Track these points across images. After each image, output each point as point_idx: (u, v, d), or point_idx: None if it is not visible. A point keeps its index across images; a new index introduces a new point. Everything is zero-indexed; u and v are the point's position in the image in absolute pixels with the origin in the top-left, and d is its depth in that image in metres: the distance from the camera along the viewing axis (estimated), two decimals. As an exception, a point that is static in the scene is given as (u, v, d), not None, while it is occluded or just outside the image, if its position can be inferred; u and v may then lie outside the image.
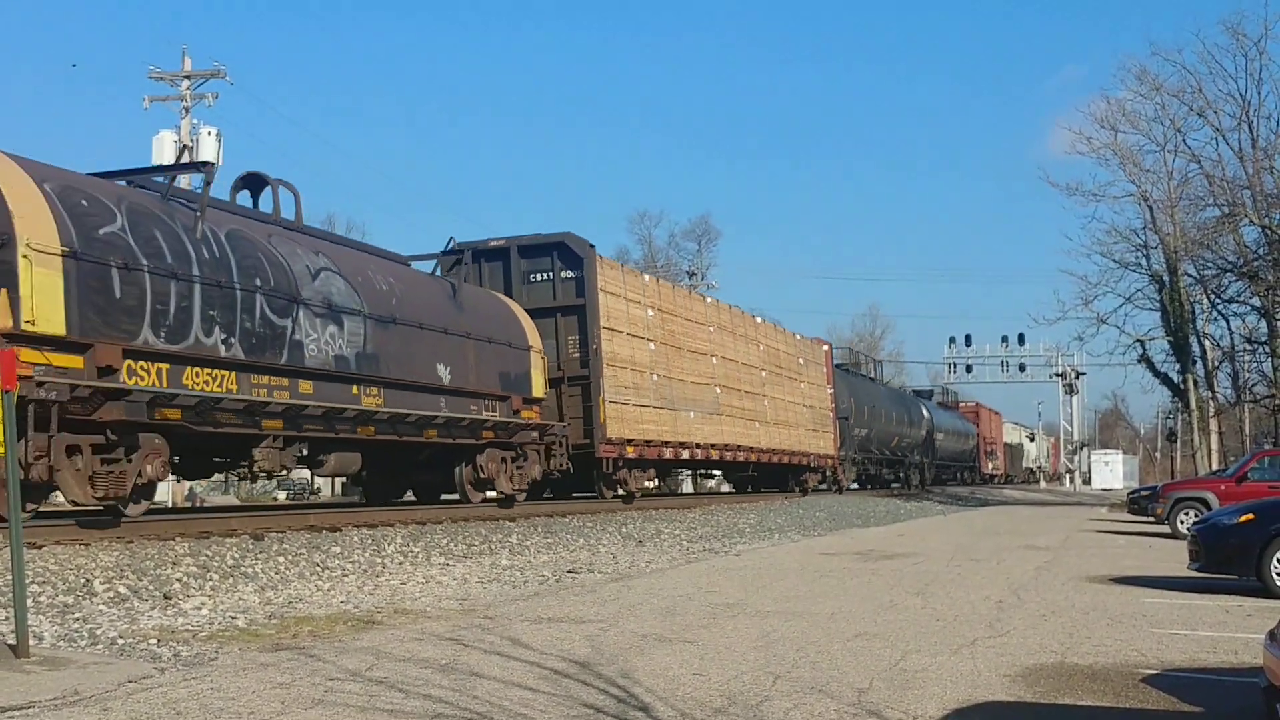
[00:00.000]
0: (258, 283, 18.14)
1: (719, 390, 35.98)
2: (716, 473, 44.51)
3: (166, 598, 12.52)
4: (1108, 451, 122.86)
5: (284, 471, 19.92)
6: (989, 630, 11.64)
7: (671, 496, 40.99)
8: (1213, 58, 47.02)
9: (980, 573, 17.96)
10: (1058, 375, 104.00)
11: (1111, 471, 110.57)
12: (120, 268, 15.63)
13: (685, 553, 21.52)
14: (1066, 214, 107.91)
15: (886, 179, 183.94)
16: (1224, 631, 11.84)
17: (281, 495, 53.25)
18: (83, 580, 12.45)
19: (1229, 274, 48.68)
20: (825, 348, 51.26)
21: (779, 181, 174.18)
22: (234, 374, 17.51)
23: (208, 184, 18.13)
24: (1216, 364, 53.82)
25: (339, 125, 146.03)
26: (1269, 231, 44.64)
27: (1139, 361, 53.97)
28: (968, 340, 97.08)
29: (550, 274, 29.01)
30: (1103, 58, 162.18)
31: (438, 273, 25.85)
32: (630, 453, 29.45)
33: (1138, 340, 53.02)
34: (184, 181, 20.87)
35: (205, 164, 20.14)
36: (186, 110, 44.99)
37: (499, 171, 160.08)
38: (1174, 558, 19.68)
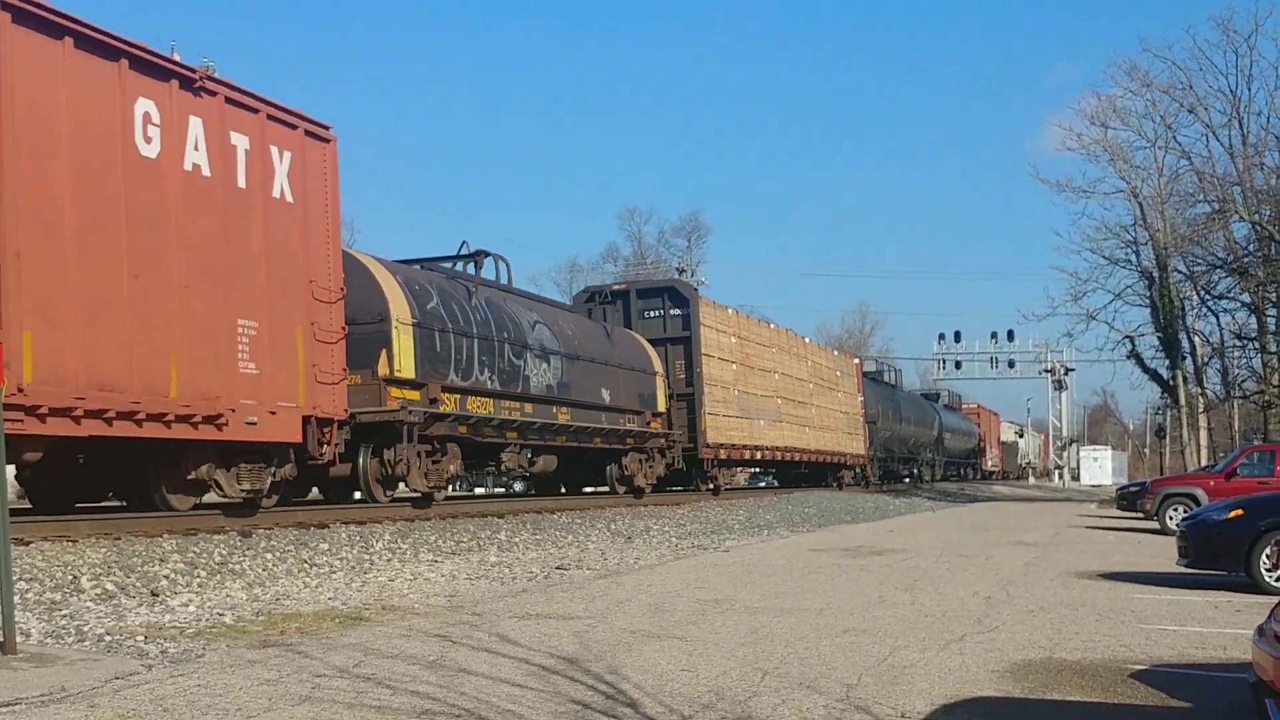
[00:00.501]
0: (505, 335, 25.66)
1: (779, 401, 43.25)
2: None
3: (154, 594, 12.50)
4: (1097, 448, 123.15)
5: (520, 470, 27.69)
6: (977, 626, 11.63)
7: (741, 490, 46.45)
8: (1203, 54, 47.26)
9: (969, 569, 17.97)
10: (1047, 371, 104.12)
11: (1100, 468, 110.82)
12: (439, 331, 22.97)
13: (674, 549, 21.52)
14: (1057, 210, 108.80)
15: (877, 176, 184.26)
16: (1213, 627, 11.85)
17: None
18: (70, 577, 12.42)
19: (1219, 270, 48.84)
20: (856, 361, 59.05)
21: (769, 178, 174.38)
22: (493, 401, 24.85)
23: (479, 267, 26.76)
24: (1206, 360, 53.98)
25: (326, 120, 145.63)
26: (1259, 228, 44.76)
27: (1128, 358, 54.14)
28: (957, 337, 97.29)
29: (661, 311, 36.73)
30: (1097, 55, 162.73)
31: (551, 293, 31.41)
32: (723, 454, 36.84)
33: (1127, 336, 53.17)
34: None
35: (481, 253, 27.08)
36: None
37: (490, 168, 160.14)
38: (1163, 554, 19.71)
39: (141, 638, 10.17)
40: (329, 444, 18.87)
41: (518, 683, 8.53)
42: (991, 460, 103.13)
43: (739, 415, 38.62)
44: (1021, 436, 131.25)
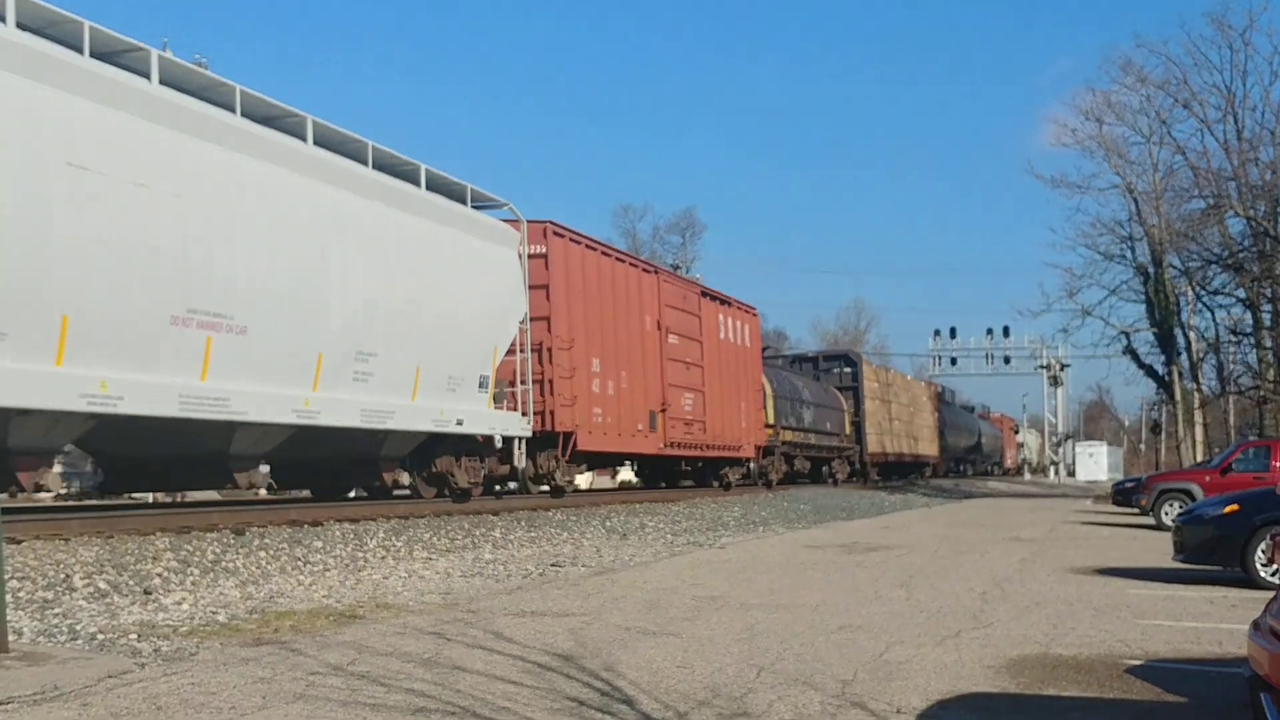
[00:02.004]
0: (793, 395, 47.45)
1: (900, 422, 66.16)
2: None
3: (147, 593, 12.45)
4: (1092, 443, 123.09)
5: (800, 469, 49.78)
6: (973, 622, 11.62)
7: (875, 483, 59.19)
8: (1198, 49, 47.24)
9: (964, 565, 17.97)
10: (1042, 368, 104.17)
11: (1096, 463, 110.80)
12: (783, 397, 45.25)
13: (669, 546, 21.49)
14: (1052, 206, 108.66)
15: (872, 172, 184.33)
16: (1208, 622, 11.84)
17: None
18: (63, 575, 12.37)
19: (1214, 266, 48.82)
20: (935, 388, 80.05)
21: (764, 174, 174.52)
22: (797, 433, 47.63)
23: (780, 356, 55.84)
24: (1201, 356, 53.96)
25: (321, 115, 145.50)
26: (1254, 223, 44.75)
27: (1124, 353, 54.18)
28: (953, 333, 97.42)
29: (837, 370, 59.45)
30: (1092, 51, 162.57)
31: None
32: (872, 459, 59.26)
33: (1122, 332, 53.21)
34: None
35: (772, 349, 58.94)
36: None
37: (484, 163, 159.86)
38: (1159, 549, 19.70)
39: (134, 636, 10.13)
40: (759, 460, 43.11)
41: (513, 680, 8.51)
42: (1010, 458, 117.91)
43: (881, 434, 61.15)
44: (1017, 433, 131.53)
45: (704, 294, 37.04)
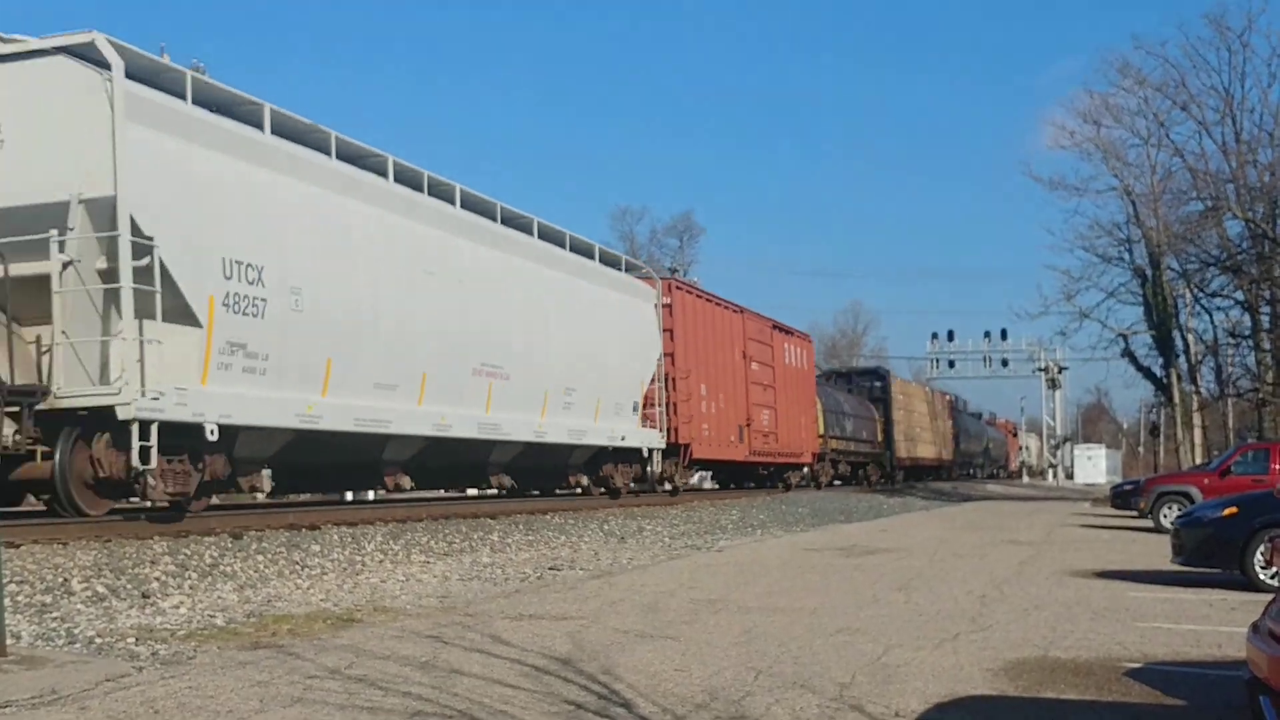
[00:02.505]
0: (836, 408, 53.09)
1: (921, 430, 72.43)
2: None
3: (145, 596, 12.44)
4: (1091, 446, 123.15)
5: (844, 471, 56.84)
6: (971, 625, 11.62)
7: (899, 484, 64.49)
8: (1196, 51, 47.28)
9: (963, 568, 17.96)
10: (1040, 370, 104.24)
11: (1095, 466, 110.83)
12: (830, 411, 51.62)
13: (667, 549, 21.49)
14: (1050, 209, 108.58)
15: (870, 174, 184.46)
16: (1207, 625, 11.84)
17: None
18: (61, 579, 12.36)
19: (1212, 268, 48.84)
20: (950, 397, 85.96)
21: (761, 177, 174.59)
22: (840, 441, 54.03)
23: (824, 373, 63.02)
24: (1200, 358, 54.01)
25: (317, 118, 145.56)
26: (1252, 225, 44.78)
27: (1122, 356, 54.25)
28: (950, 336, 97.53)
29: (868, 384, 65.02)
30: (1091, 53, 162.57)
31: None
32: (899, 463, 65.36)
33: (1120, 335, 53.24)
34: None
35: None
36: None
37: (481, 167, 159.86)
38: (1157, 552, 19.70)
39: (132, 640, 10.12)
40: (814, 465, 49.28)
41: (511, 683, 8.50)
42: (1013, 461, 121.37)
43: (907, 441, 67.63)
44: (1015, 436, 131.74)
45: (775, 327, 44.17)
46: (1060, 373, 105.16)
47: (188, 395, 15.68)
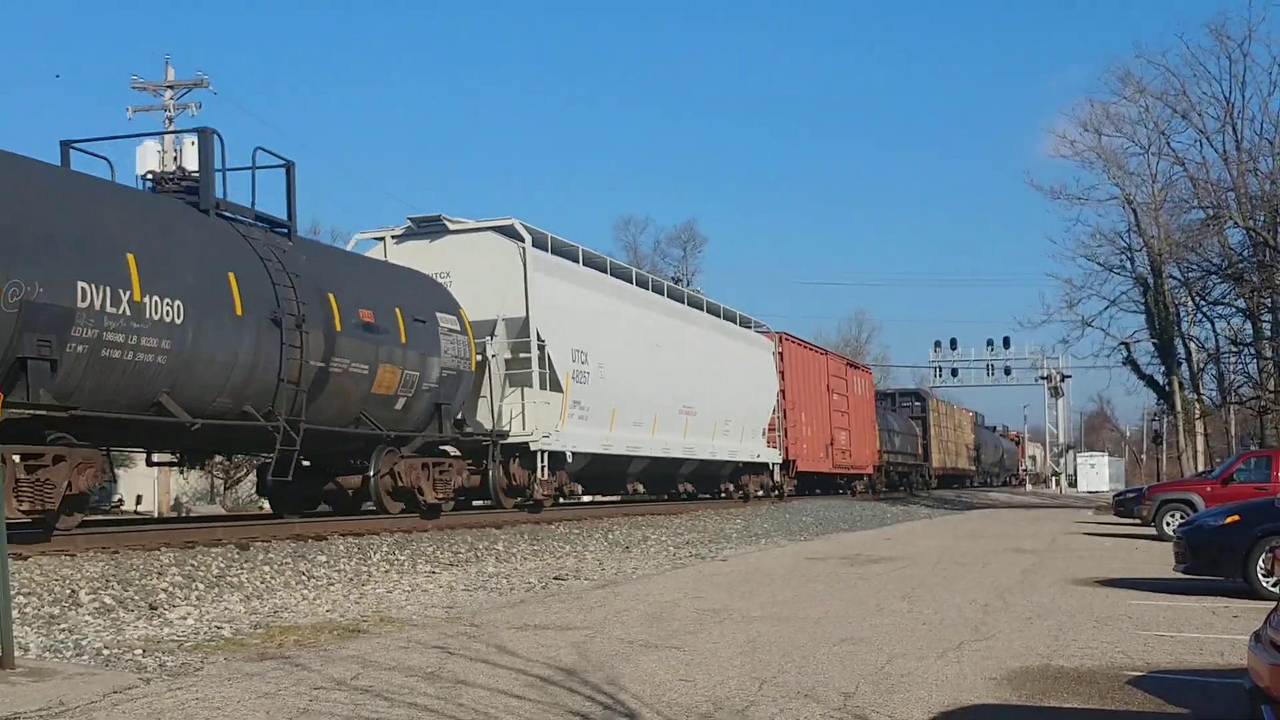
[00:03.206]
0: (890, 426, 64.70)
1: (951, 444, 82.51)
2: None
3: (152, 608, 12.48)
4: (1093, 454, 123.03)
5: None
6: (975, 634, 11.65)
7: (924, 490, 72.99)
8: (1197, 60, 47.20)
9: (966, 576, 17.99)
10: (1043, 378, 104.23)
11: (1097, 474, 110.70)
12: (883, 430, 62.27)
13: (672, 558, 21.51)
14: (1051, 217, 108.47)
15: (873, 183, 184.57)
16: (1210, 633, 11.87)
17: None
18: (68, 591, 12.40)
19: (1214, 276, 48.83)
20: (973, 414, 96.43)
21: (764, 186, 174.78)
22: (892, 455, 64.20)
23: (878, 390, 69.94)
24: (1202, 366, 53.94)
25: (321, 131, 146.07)
26: (1253, 233, 44.77)
27: (1124, 364, 54.19)
28: (953, 344, 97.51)
29: (910, 404, 74.71)
30: (1094, 63, 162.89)
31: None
32: (936, 472, 75.71)
33: (1123, 343, 53.20)
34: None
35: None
36: (170, 120, 44.86)
37: (485, 177, 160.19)
38: (1160, 560, 19.72)
39: (139, 651, 10.16)
40: (874, 475, 58.18)
41: (516, 694, 8.54)
42: (1022, 469, 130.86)
43: (940, 454, 77.67)
44: (1019, 444, 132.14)
45: (848, 364, 57.31)
46: (1063, 381, 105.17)
47: (558, 435, 26.15)
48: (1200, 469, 47.06)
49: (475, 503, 26.87)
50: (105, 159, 18.32)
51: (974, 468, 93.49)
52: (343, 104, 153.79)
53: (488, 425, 24.92)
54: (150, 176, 19.05)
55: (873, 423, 58.72)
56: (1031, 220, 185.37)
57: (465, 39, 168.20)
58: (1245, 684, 6.78)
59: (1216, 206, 45.88)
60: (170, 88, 45.81)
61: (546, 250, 27.06)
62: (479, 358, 24.46)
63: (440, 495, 22.70)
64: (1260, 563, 14.88)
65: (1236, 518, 15.67)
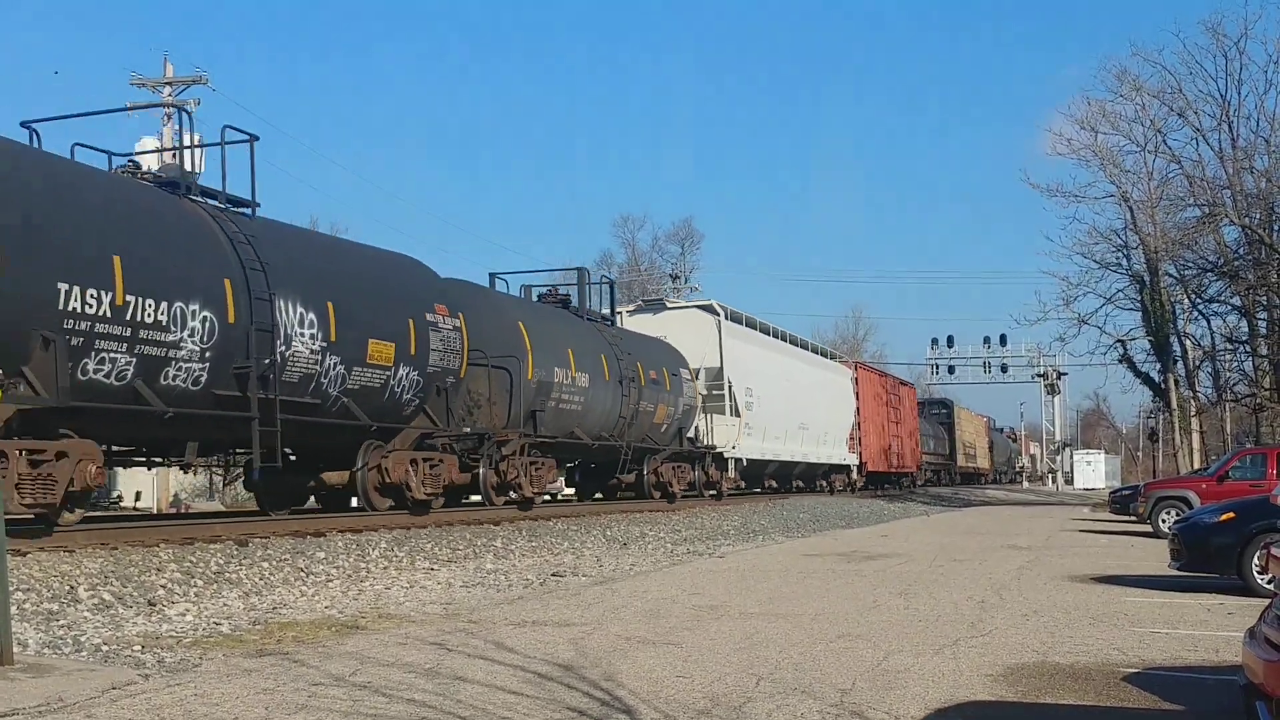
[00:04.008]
0: (925, 431, 76.03)
1: (970, 445, 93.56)
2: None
3: (151, 604, 12.51)
4: (1090, 451, 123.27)
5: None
6: (971, 630, 11.69)
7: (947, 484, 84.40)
8: (1193, 58, 47.24)
9: (963, 573, 18.03)
10: (1039, 376, 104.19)
11: (1094, 471, 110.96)
12: (923, 435, 75.11)
13: (669, 555, 21.54)
14: (1048, 215, 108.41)
15: (871, 181, 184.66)
16: (1205, 630, 11.91)
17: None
18: (67, 587, 12.42)
19: (1209, 274, 48.89)
20: (987, 419, 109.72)
21: (762, 183, 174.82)
22: (928, 456, 76.12)
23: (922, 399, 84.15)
24: (1197, 363, 54.03)
25: (319, 129, 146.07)
26: (1249, 231, 44.81)
27: (1120, 362, 54.20)
28: (950, 341, 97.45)
29: (938, 411, 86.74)
30: (1090, 61, 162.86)
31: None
32: (960, 470, 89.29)
33: (1119, 340, 53.23)
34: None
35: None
36: (169, 117, 44.84)
37: (482, 175, 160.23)
38: (1156, 557, 19.77)
39: (138, 647, 10.18)
40: (916, 473, 70.73)
41: (514, 690, 8.57)
42: (1023, 466, 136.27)
43: (963, 455, 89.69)
44: (1015, 442, 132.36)
45: (900, 382, 70.57)
46: (1059, 378, 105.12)
47: (737, 446, 38.51)
48: (1196, 466, 47.13)
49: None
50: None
51: (989, 466, 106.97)
52: (340, 102, 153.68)
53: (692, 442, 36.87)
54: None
55: (915, 430, 71.34)
56: (1028, 218, 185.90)
57: (465, 36, 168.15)
58: (1240, 680, 6.82)
59: (1212, 204, 45.91)
60: (169, 84, 45.78)
61: (728, 319, 39.93)
62: (698, 395, 36.59)
63: (680, 488, 34.56)
64: (1255, 560, 14.93)
65: (1231, 515, 15.72)
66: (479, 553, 19.42)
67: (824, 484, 53.37)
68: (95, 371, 15.27)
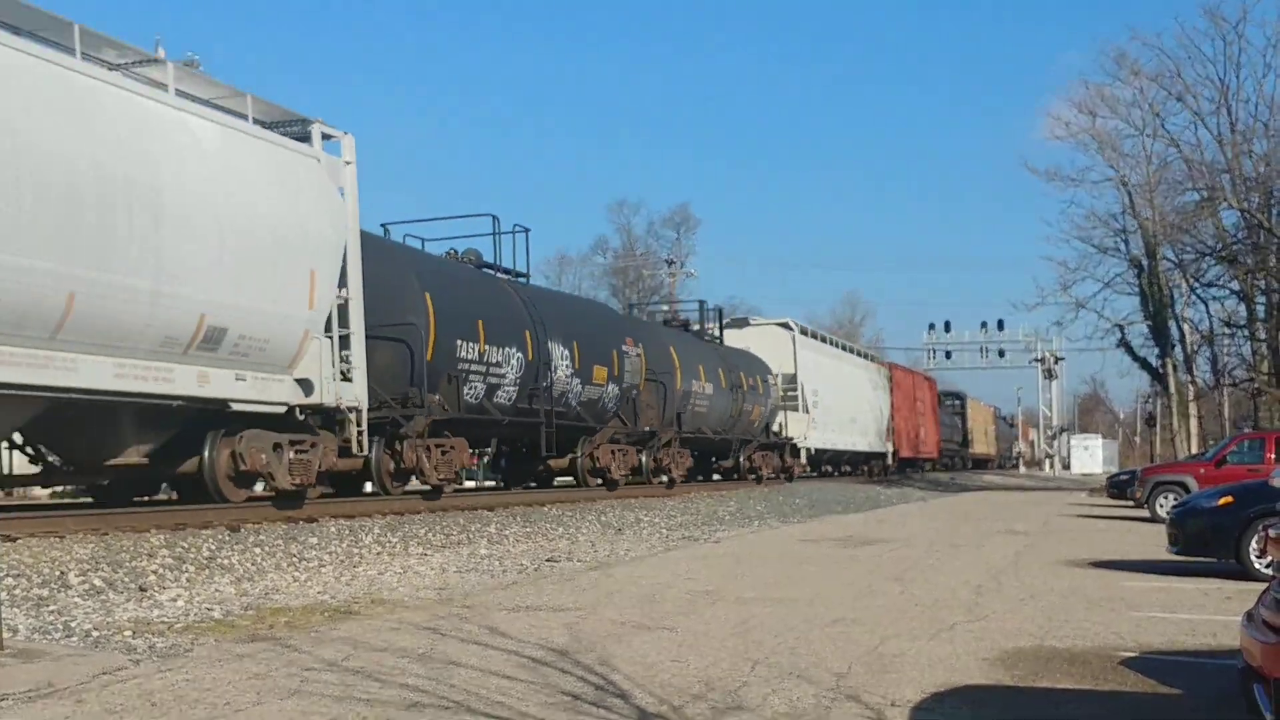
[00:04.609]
0: (945, 421, 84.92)
1: (980, 433, 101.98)
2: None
3: (142, 590, 12.44)
4: (1087, 436, 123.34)
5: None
6: (967, 615, 11.65)
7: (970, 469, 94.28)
8: (1192, 42, 47.32)
9: (959, 558, 17.99)
10: (1037, 361, 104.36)
11: (1091, 456, 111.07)
12: (941, 424, 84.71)
13: (665, 541, 21.50)
14: (1046, 199, 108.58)
15: (867, 165, 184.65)
16: (1203, 614, 11.87)
17: None
18: (58, 573, 12.35)
19: (1208, 258, 48.91)
20: (993, 409, 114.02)
21: (758, 168, 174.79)
22: (946, 444, 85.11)
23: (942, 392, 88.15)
24: (1195, 348, 54.07)
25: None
26: (1247, 215, 44.80)
27: (1118, 346, 54.24)
28: (947, 326, 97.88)
29: (951, 403, 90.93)
30: (1089, 45, 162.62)
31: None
32: (974, 456, 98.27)
33: (1117, 325, 53.30)
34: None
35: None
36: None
37: (477, 159, 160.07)
38: (1153, 541, 19.74)
39: (129, 633, 10.13)
40: (938, 458, 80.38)
41: (508, 674, 8.52)
42: (1016, 452, 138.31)
43: (974, 442, 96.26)
44: (1012, 428, 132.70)
45: (925, 378, 77.94)
46: (1057, 363, 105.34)
47: (807, 438, 47.96)
48: (1194, 451, 47.17)
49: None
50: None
51: (995, 452, 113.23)
52: (333, 83, 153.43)
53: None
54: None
55: (937, 421, 78.95)
56: (1026, 202, 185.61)
57: (460, 31, 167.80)
58: (1238, 664, 6.77)
59: (1211, 188, 45.91)
60: (161, 69, 45.63)
61: (799, 333, 49.20)
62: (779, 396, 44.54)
63: (767, 472, 42.08)
64: (1253, 544, 14.89)
65: (1229, 499, 15.68)
66: (473, 538, 19.37)
67: (864, 468, 61.50)
68: (467, 395, 23.01)
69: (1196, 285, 51.33)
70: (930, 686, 8.18)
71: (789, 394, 46.07)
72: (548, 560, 17.27)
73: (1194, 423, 53.28)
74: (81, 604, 11.43)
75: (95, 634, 10.05)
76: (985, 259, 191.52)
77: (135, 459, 17.03)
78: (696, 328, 40.68)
